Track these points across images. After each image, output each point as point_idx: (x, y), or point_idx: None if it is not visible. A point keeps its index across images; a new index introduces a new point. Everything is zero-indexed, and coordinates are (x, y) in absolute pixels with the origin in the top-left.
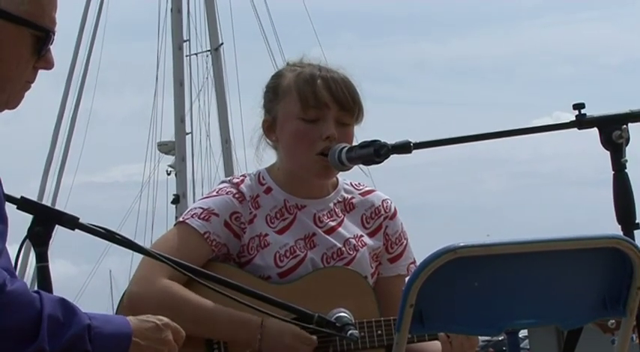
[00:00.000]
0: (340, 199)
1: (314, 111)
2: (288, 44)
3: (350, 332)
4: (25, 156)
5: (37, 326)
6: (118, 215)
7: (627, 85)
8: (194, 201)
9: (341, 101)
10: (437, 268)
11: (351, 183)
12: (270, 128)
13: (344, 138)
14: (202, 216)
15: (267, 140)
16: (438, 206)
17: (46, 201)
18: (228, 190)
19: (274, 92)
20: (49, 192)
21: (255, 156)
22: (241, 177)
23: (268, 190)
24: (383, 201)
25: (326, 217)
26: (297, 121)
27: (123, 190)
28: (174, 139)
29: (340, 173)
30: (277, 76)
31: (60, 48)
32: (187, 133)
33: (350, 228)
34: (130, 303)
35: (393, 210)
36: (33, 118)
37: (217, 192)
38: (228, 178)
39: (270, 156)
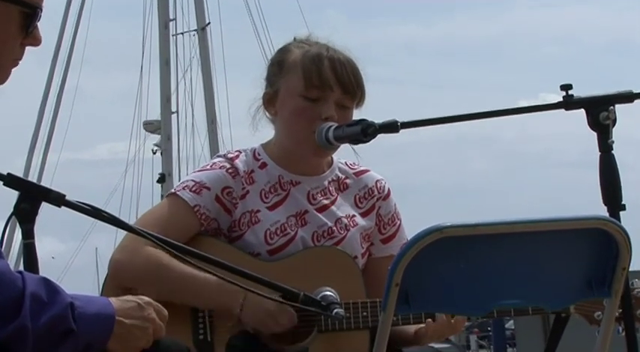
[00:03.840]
0: (335, 178)
1: (316, 90)
2: (274, 23)
3: (335, 310)
4: (10, 134)
5: (19, 304)
6: (104, 193)
7: (613, 67)
8: (179, 180)
9: (345, 84)
10: (423, 248)
11: (345, 163)
12: (270, 101)
13: (342, 120)
14: (194, 189)
15: (266, 113)
16: (423, 186)
17: (32, 179)
18: (222, 165)
19: (279, 66)
20: (35, 169)
21: (251, 125)
22: (236, 153)
23: (263, 165)
24: (377, 181)
25: (319, 195)
26: (298, 98)
27: (108, 168)
28: (159, 118)
29: (335, 152)
30: (284, 51)
31: (46, 25)
32: (173, 112)
33: (343, 208)
34: (113, 271)
35: (386, 190)
36: (18, 95)
37: (211, 166)
38: (224, 153)
39: (266, 133)
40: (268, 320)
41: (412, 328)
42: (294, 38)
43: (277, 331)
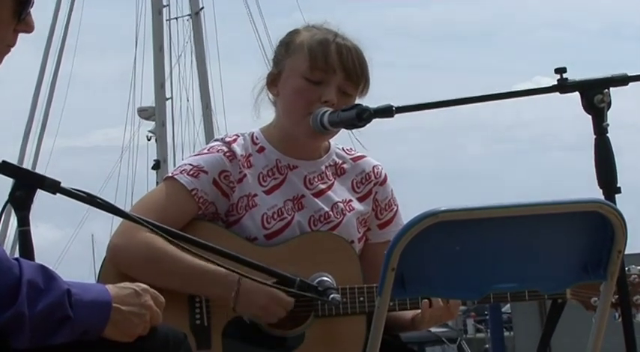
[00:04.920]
0: (332, 163)
1: (320, 73)
2: (268, 7)
3: (332, 296)
4: (4, 121)
5: (16, 291)
6: (99, 179)
7: (608, 50)
8: (174, 167)
9: (348, 69)
10: (419, 232)
11: (343, 148)
12: (273, 82)
13: (342, 107)
14: (191, 172)
15: (268, 93)
16: (418, 171)
17: (27, 166)
18: (219, 148)
19: (286, 47)
20: (29, 156)
21: (253, 107)
22: (234, 136)
23: (261, 149)
24: (374, 167)
25: (316, 180)
26: (301, 79)
27: (103, 155)
28: (154, 105)
29: (332, 137)
30: (293, 33)
31: (40, 10)
32: (167, 99)
33: (339, 192)
34: (111, 255)
35: (383, 176)
36: (12, 82)
37: (208, 150)
38: (221, 137)
39: (266, 118)
40: (271, 304)
41: (409, 314)
42: (307, 24)
43: (280, 316)
